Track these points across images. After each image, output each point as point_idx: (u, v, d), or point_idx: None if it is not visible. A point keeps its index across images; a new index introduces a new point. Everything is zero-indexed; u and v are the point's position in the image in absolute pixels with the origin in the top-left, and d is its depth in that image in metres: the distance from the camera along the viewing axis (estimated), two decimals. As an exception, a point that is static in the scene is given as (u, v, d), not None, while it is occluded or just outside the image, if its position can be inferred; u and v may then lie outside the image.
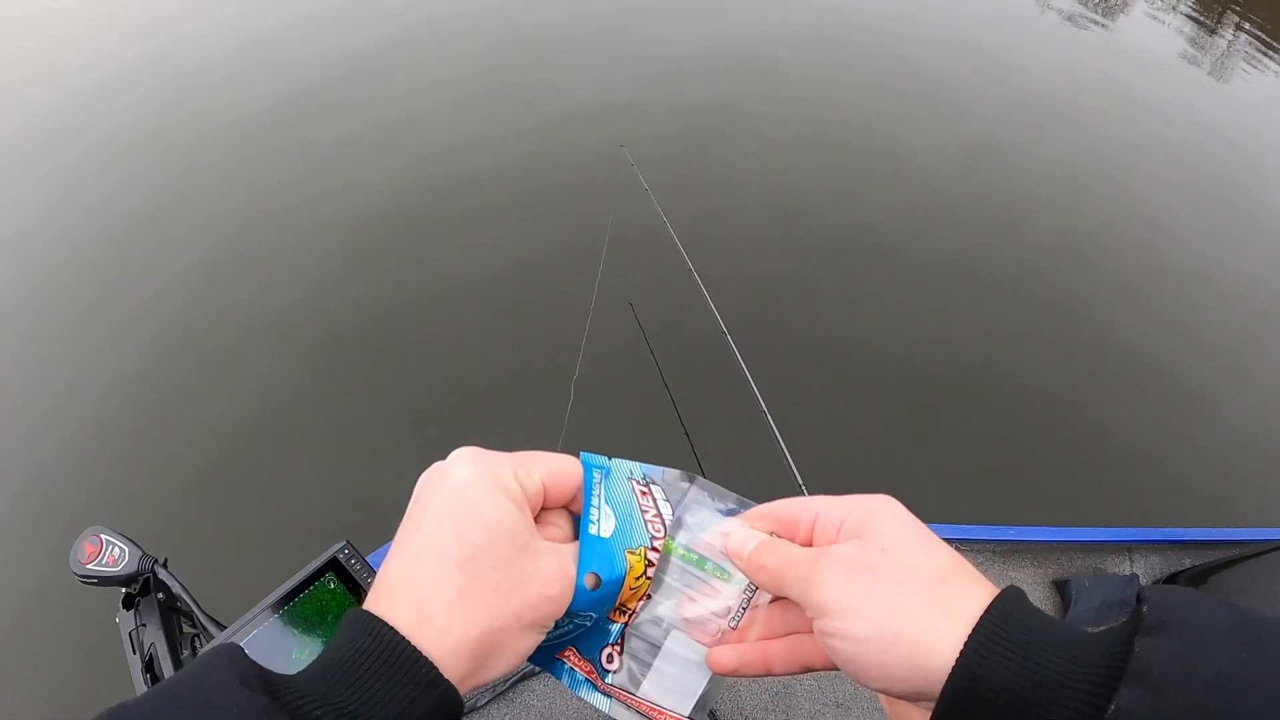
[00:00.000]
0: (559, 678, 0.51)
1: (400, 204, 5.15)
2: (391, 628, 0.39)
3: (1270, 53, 8.66)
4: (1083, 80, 7.10)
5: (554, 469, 0.48)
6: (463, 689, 0.40)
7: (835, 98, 6.38)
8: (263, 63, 6.83)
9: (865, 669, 0.40)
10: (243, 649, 0.37)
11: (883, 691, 0.41)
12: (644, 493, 0.52)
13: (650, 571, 0.50)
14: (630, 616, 0.51)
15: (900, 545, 0.42)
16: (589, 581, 0.47)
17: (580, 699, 0.51)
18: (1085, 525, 2.57)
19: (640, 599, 0.50)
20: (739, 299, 4.18)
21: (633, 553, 0.49)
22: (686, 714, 0.51)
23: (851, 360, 4.27)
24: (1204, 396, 4.33)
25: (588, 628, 0.50)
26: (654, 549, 0.50)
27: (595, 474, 0.50)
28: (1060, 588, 2.48)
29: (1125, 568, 2.58)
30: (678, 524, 0.51)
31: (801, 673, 0.48)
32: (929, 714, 0.38)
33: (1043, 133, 6.25)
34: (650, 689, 0.51)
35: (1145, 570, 2.58)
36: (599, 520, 0.49)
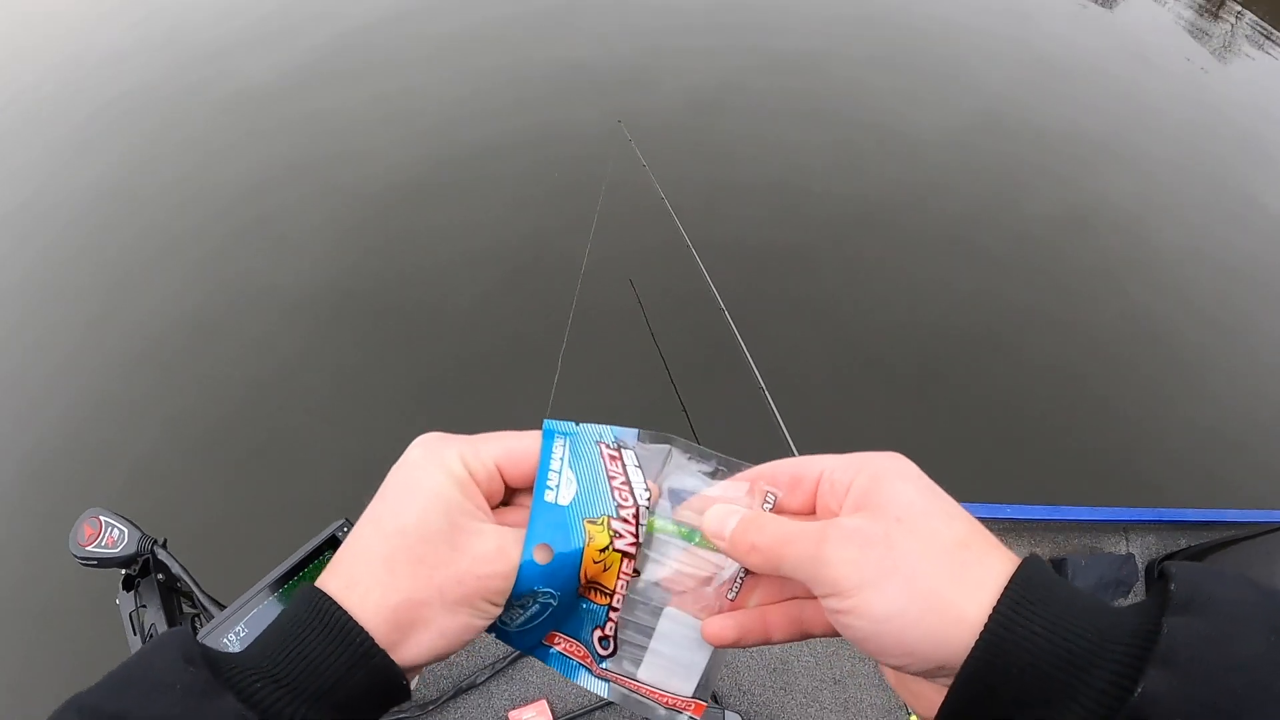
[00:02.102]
0: (550, 665, 0.49)
1: (403, 174, 5.13)
2: (326, 595, 0.41)
3: (1271, 37, 8.61)
4: (1086, 58, 7.07)
5: (508, 449, 0.46)
6: (394, 636, 0.41)
7: (838, 72, 6.36)
8: (264, 33, 6.77)
9: (884, 647, 0.38)
10: (191, 632, 0.39)
11: (899, 669, 0.39)
12: (613, 458, 0.47)
13: (617, 544, 0.45)
14: (612, 597, 0.47)
15: (915, 512, 0.39)
16: (539, 555, 0.44)
17: (578, 685, 0.48)
18: (1081, 497, 2.59)
19: (617, 578, 0.46)
20: (740, 272, 4.19)
21: (593, 523, 0.45)
22: (690, 694, 0.47)
23: (852, 333, 4.28)
24: (1201, 371, 4.37)
25: (557, 607, 0.46)
26: (621, 519, 0.45)
27: (558, 440, 0.47)
28: (1056, 566, 2.49)
29: (1121, 547, 2.59)
30: (659, 495, 0.47)
31: (802, 639, 0.45)
32: (943, 690, 0.37)
33: (1045, 108, 6.24)
34: (648, 673, 0.48)
35: (1141, 550, 2.59)
36: (558, 486, 0.45)
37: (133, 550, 1.61)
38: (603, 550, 0.45)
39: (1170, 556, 2.53)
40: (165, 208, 5.01)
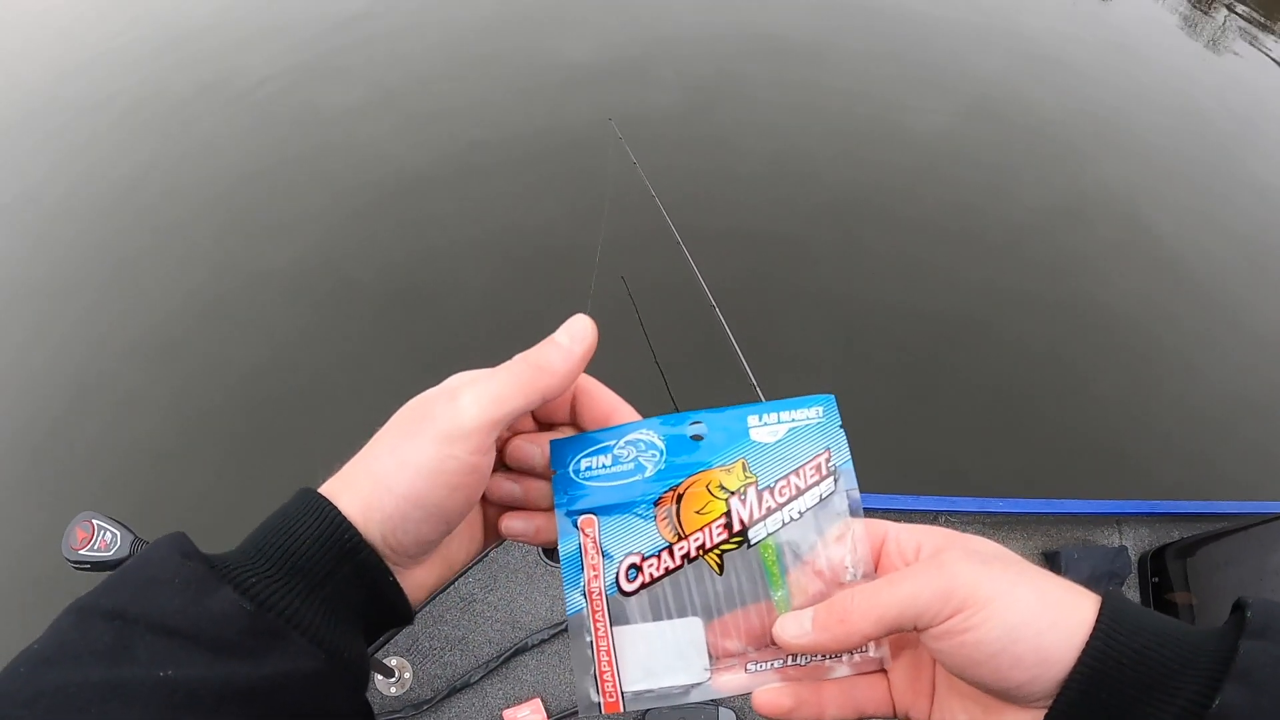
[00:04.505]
0: (560, 549, 0.45)
1: (398, 166, 5.11)
2: (317, 493, 0.42)
3: (1264, 30, 8.67)
4: (1078, 48, 7.09)
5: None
6: (368, 522, 0.41)
7: (833, 61, 6.36)
8: (261, 28, 6.75)
9: (1018, 657, 0.37)
10: (187, 536, 0.40)
11: (1016, 688, 0.38)
12: (816, 470, 0.44)
13: (734, 504, 0.43)
14: (681, 542, 0.43)
15: (1005, 555, 0.41)
16: (692, 427, 0.44)
17: (563, 586, 0.44)
18: (1073, 484, 2.59)
19: (703, 530, 0.43)
20: (733, 264, 4.21)
21: (745, 467, 0.44)
22: (627, 689, 0.43)
23: (844, 324, 4.28)
24: (1191, 354, 4.39)
25: (626, 492, 0.44)
26: (763, 497, 0.43)
27: (819, 412, 0.45)
28: (1050, 559, 2.50)
29: (1114, 539, 2.60)
30: (795, 522, 0.43)
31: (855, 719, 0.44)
32: (1017, 710, 0.39)
33: (1038, 96, 6.26)
34: (626, 638, 0.44)
35: (1134, 542, 2.60)
36: (763, 424, 0.45)
37: (125, 553, 1.61)
38: (717, 489, 0.44)
39: (1163, 549, 2.55)
40: (161, 201, 4.99)
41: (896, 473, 3.52)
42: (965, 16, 7.32)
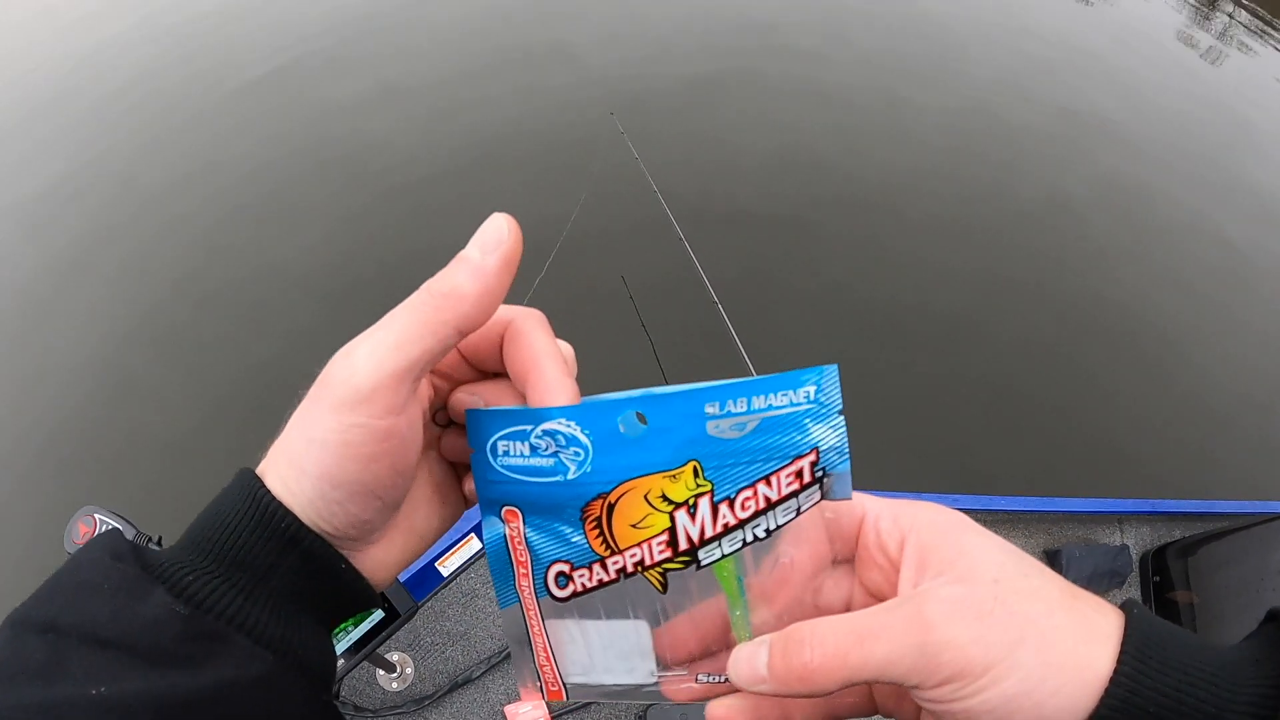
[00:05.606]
0: (484, 545, 0.39)
1: (408, 159, 5.13)
2: (252, 471, 0.38)
3: (1267, 31, 8.66)
4: (1080, 46, 7.09)
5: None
6: (292, 508, 0.36)
7: (836, 56, 6.36)
8: (264, 23, 6.76)
9: None
10: (122, 533, 0.37)
11: None
12: (796, 476, 0.35)
13: (680, 519, 0.35)
14: (615, 556, 0.36)
15: (1009, 570, 0.35)
16: (626, 418, 0.35)
17: (490, 575, 0.40)
18: (1075, 482, 2.58)
19: (640, 546, 0.36)
20: (734, 257, 4.22)
21: (696, 475, 0.35)
22: (567, 680, 0.40)
23: (845, 319, 4.29)
24: (1194, 352, 4.39)
25: (551, 491, 0.36)
26: (720, 510, 0.35)
27: (799, 396, 0.34)
28: (1051, 557, 2.50)
29: (1116, 538, 2.60)
30: (761, 542, 0.36)
31: None
32: None
33: (1041, 92, 6.27)
34: (564, 635, 0.39)
35: (1135, 541, 2.61)
36: (726, 414, 0.34)
37: (128, 547, 1.60)
38: (660, 500, 0.35)
39: (1164, 547, 2.55)
40: (166, 194, 5.00)
41: (897, 469, 3.52)
42: (969, 13, 7.31)
